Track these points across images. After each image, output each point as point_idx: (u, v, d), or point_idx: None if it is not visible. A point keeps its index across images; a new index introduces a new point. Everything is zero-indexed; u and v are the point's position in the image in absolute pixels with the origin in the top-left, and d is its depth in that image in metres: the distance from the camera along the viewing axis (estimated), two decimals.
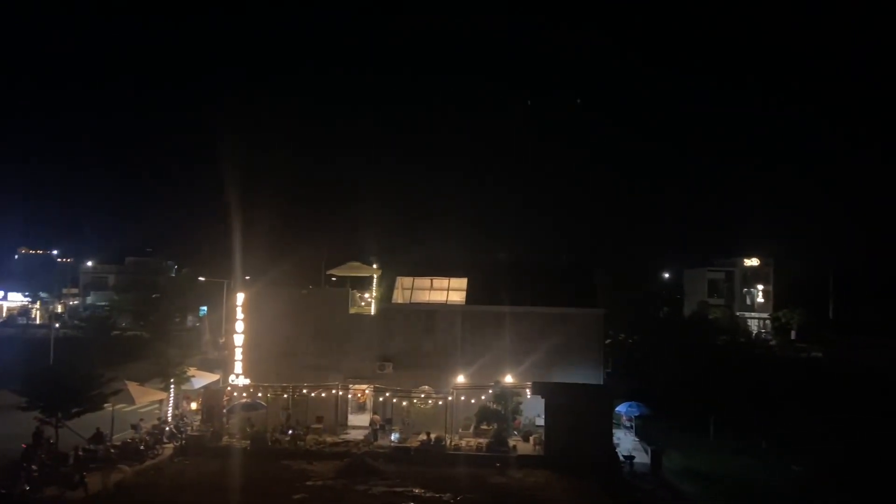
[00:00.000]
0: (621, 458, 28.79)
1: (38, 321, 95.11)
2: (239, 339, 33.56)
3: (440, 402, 31.58)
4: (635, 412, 34.33)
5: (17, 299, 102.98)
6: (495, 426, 30.19)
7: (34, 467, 24.01)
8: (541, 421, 30.30)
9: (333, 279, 40.46)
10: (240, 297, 34.04)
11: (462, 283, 35.10)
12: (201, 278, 66.73)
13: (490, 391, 31.24)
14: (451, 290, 35.05)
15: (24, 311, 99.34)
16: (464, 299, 34.43)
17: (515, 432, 30.92)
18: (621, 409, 34.45)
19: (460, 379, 32.27)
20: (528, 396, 31.17)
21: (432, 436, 29.65)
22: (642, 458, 29.52)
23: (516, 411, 31.37)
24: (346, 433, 31.86)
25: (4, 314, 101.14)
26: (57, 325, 65.45)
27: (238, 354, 33.41)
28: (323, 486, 25.35)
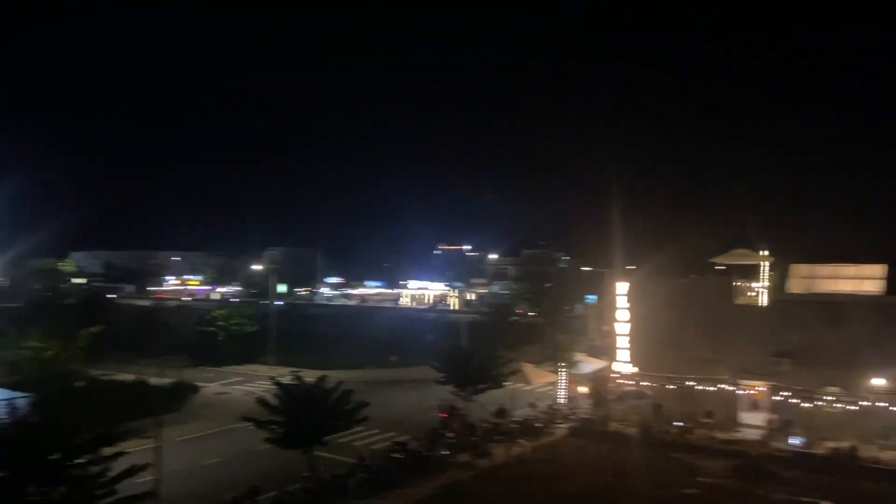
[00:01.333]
0: None
1: (451, 307, 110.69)
2: (623, 328, 34.12)
3: (853, 407, 27.54)
4: None
5: (438, 288, 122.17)
6: None
7: (450, 435, 28.05)
8: None
9: (718, 267, 38.12)
10: (623, 287, 34.52)
11: (878, 270, 30.39)
12: (586, 268, 69.62)
13: None
14: (862, 279, 30.37)
15: (443, 299, 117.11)
16: (881, 289, 29.69)
17: None
18: None
19: (878, 382, 27.65)
20: None
21: (844, 444, 26.12)
22: None
23: None
24: (739, 431, 29.98)
25: (431, 300, 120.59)
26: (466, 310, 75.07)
27: (622, 342, 34.00)
28: (714, 484, 24.37)
